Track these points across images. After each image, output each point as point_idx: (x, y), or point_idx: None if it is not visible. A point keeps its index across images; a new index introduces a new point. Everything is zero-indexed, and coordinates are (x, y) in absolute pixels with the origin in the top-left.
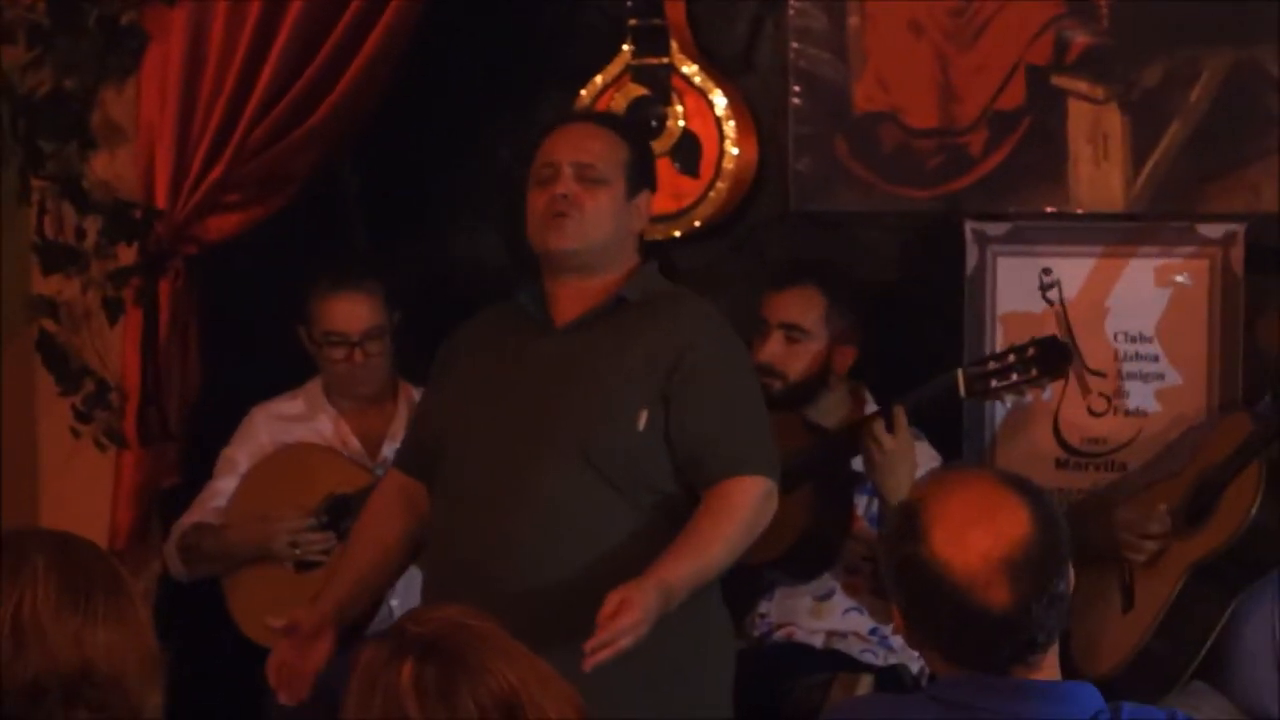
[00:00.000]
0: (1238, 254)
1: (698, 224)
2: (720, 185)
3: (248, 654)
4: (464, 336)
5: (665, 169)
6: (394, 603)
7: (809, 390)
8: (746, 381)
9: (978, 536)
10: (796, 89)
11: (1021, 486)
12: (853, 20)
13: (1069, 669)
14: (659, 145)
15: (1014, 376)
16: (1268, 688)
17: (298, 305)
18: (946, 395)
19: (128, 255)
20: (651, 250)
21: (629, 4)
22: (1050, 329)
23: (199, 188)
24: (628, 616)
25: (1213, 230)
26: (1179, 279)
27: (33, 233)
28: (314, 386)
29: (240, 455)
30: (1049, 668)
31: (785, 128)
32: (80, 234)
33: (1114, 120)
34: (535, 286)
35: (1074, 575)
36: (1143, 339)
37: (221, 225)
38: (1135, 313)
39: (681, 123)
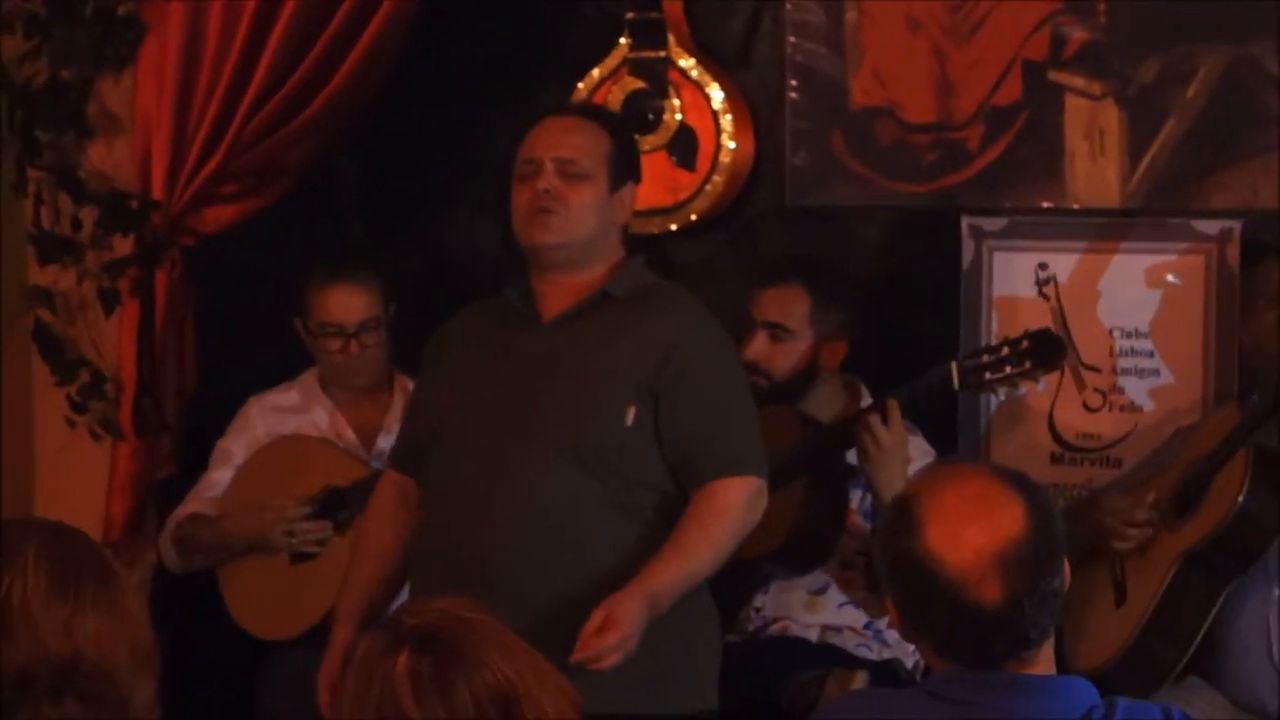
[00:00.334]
0: (1233, 250)
1: (694, 218)
2: (717, 179)
3: (242, 645)
4: (450, 331)
5: (662, 162)
6: None
7: (796, 388)
8: (735, 379)
9: (972, 532)
10: (793, 83)
11: (1018, 482)
12: (850, 15)
13: (1062, 663)
14: (656, 139)
15: (1008, 369)
16: (1261, 680)
17: (293, 297)
18: (940, 388)
19: (124, 246)
20: (647, 244)
21: None
22: (1046, 324)
23: (195, 179)
24: (613, 634)
25: (1209, 227)
26: (1170, 279)
27: (29, 223)
28: (309, 378)
29: (235, 446)
30: (1044, 663)
31: (782, 122)
32: (76, 224)
33: (1111, 116)
34: (522, 281)
35: (1069, 571)
36: (1138, 334)
37: (218, 216)
38: (1131, 308)
39: (678, 116)
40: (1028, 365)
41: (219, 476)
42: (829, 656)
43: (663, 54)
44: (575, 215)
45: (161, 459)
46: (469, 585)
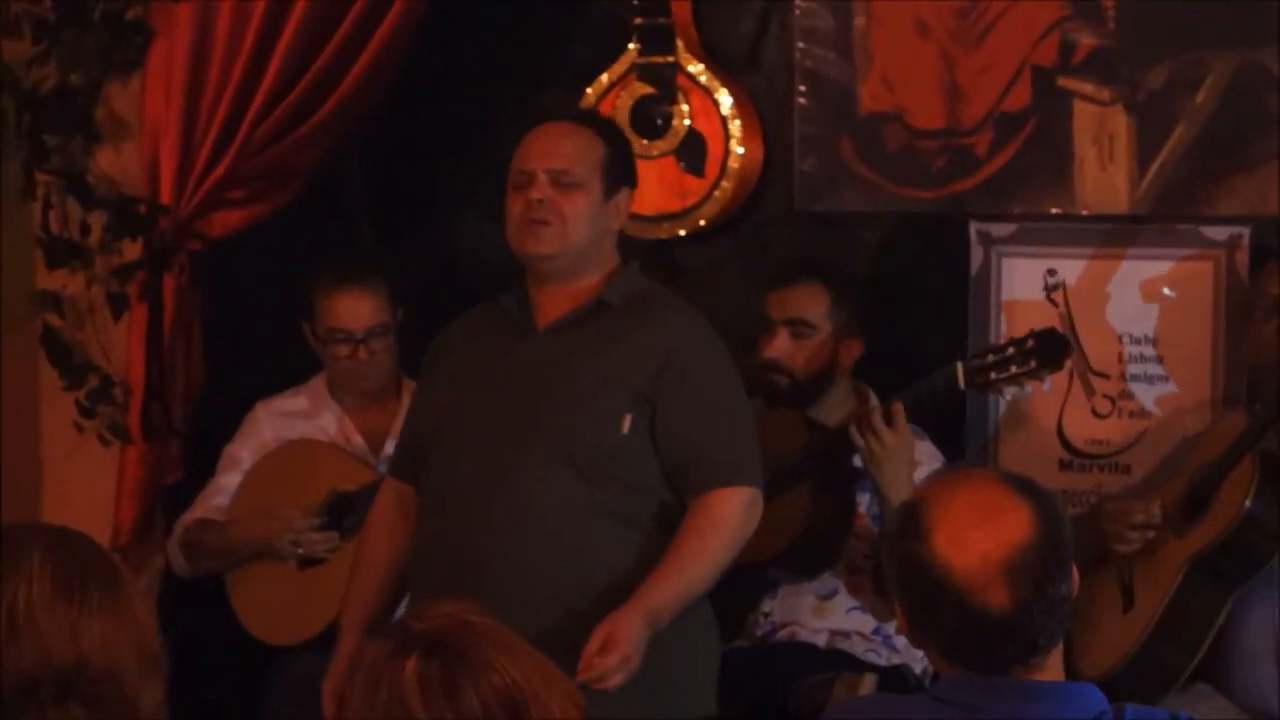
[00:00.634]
0: (1242, 257)
1: (702, 223)
2: (725, 184)
3: (250, 650)
4: (447, 339)
5: (670, 168)
6: None
7: (817, 387)
8: (732, 387)
9: (979, 538)
10: (802, 89)
11: (1026, 488)
12: (858, 20)
13: (1070, 669)
14: (664, 144)
15: (1013, 368)
16: (1269, 686)
17: (302, 301)
18: (946, 388)
19: (132, 250)
20: (656, 249)
21: (635, 2)
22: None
23: (204, 183)
24: (616, 653)
25: (1217, 233)
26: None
27: (37, 227)
28: (318, 383)
29: (244, 451)
30: (1051, 669)
31: (790, 127)
32: (85, 229)
33: (1119, 122)
34: (518, 288)
35: (1078, 577)
36: (1147, 340)
37: (226, 221)
38: (1139, 314)
39: (687, 122)
40: (1033, 364)
41: (227, 481)
42: (837, 661)
43: (671, 59)
44: (569, 225)
45: (170, 464)
46: (466, 591)
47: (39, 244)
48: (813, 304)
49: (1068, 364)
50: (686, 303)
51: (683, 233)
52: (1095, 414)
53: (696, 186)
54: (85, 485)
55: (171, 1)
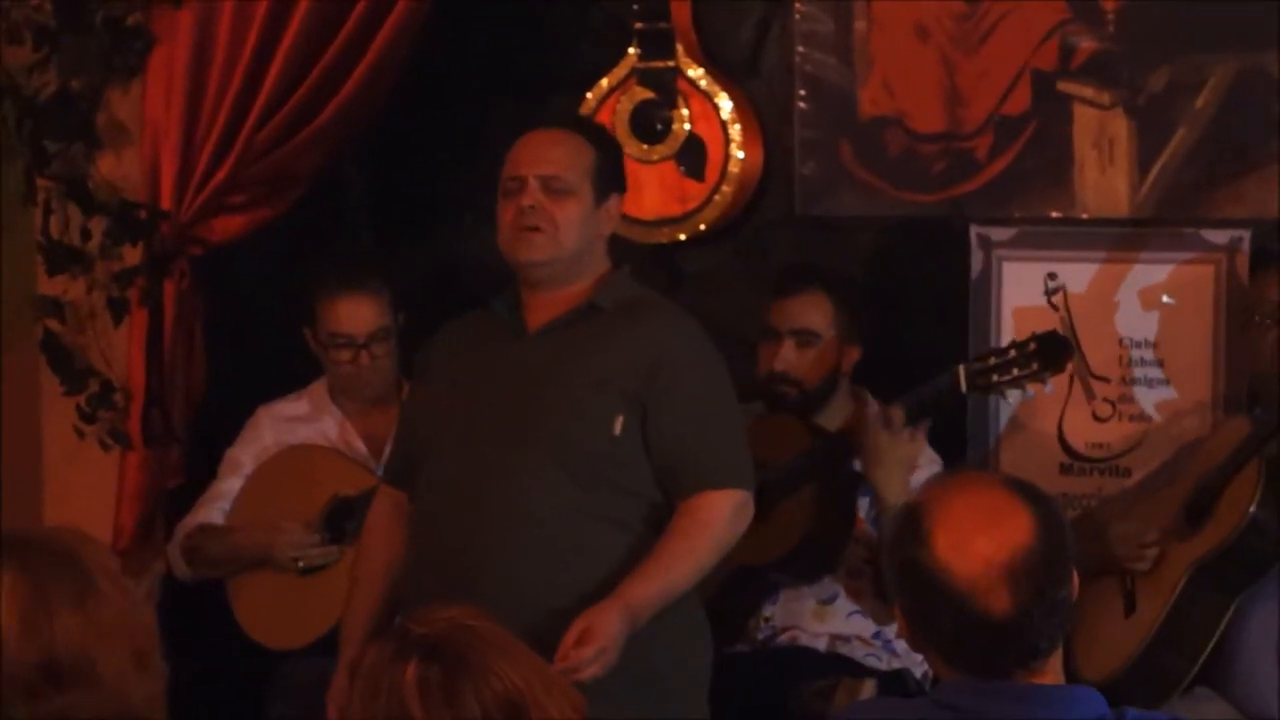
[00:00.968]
0: (1243, 260)
1: (702, 227)
2: (725, 189)
3: (252, 655)
4: (438, 344)
5: (670, 172)
6: None
7: (823, 395)
8: (723, 391)
9: (980, 542)
10: (802, 93)
11: (1026, 492)
12: (859, 24)
13: (1068, 673)
14: (664, 149)
15: (1015, 371)
16: (1269, 689)
17: (302, 307)
18: (948, 391)
19: (133, 256)
20: (656, 253)
21: (635, 7)
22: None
23: (204, 189)
24: (592, 645)
25: (1218, 236)
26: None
27: (38, 233)
28: (319, 387)
29: (245, 456)
30: (1052, 673)
31: (791, 132)
32: (85, 234)
33: (1120, 125)
34: (510, 293)
35: (1078, 581)
36: (1147, 344)
37: (227, 226)
38: (1140, 318)
39: (687, 126)
40: (1035, 367)
41: (228, 486)
42: (838, 666)
43: (671, 64)
44: (561, 231)
45: (170, 469)
46: (459, 595)
47: (40, 249)
48: (817, 313)
49: (1068, 367)
50: (677, 306)
51: (683, 237)
52: (1096, 417)
53: (697, 191)
54: (86, 490)
55: (172, 7)
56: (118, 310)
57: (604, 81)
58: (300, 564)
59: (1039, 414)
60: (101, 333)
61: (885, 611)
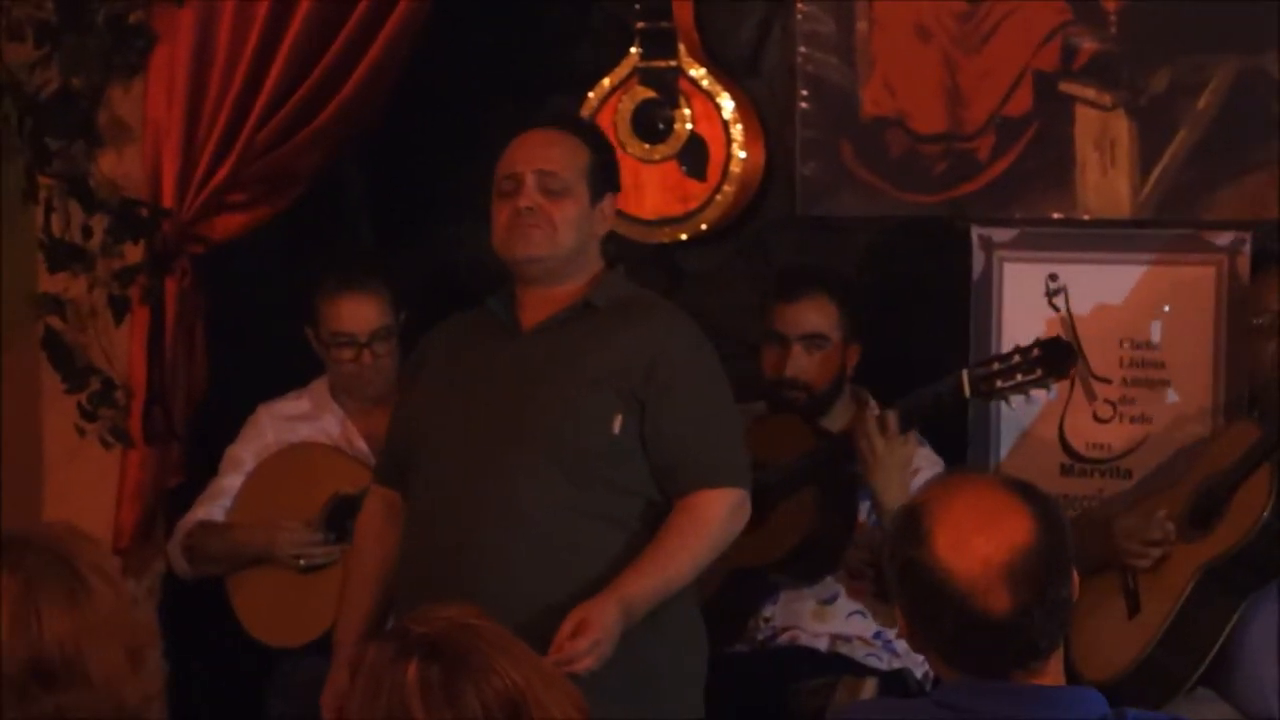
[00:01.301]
0: (1244, 261)
1: (704, 227)
2: (727, 189)
3: (252, 653)
4: (432, 344)
5: (672, 172)
6: None
7: (829, 398)
8: (720, 390)
9: (980, 542)
10: (804, 93)
11: (1026, 492)
12: (860, 25)
13: (1069, 673)
14: (666, 148)
15: (1019, 376)
16: (1271, 691)
17: (304, 305)
18: (951, 396)
19: (134, 254)
20: (657, 253)
21: (637, 7)
22: (1056, 334)
23: (205, 187)
24: (586, 638)
25: (1220, 238)
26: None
27: (39, 231)
28: (320, 386)
29: (246, 454)
30: (1052, 673)
31: (792, 132)
32: (87, 232)
33: (1121, 126)
34: (505, 292)
35: (1078, 581)
36: (1148, 345)
37: (228, 224)
38: (1141, 319)
39: (689, 126)
40: (1039, 373)
41: (229, 483)
42: (838, 666)
43: (673, 63)
44: (559, 230)
45: (171, 467)
46: (454, 593)
47: (41, 247)
48: (823, 316)
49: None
50: (673, 305)
51: (684, 237)
52: (1097, 419)
53: (698, 191)
54: (87, 488)
55: (174, 5)
56: (119, 308)
57: (606, 81)
58: (301, 562)
59: (1040, 415)
60: (103, 331)
61: (886, 612)
